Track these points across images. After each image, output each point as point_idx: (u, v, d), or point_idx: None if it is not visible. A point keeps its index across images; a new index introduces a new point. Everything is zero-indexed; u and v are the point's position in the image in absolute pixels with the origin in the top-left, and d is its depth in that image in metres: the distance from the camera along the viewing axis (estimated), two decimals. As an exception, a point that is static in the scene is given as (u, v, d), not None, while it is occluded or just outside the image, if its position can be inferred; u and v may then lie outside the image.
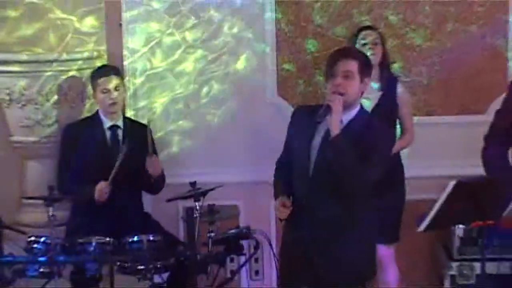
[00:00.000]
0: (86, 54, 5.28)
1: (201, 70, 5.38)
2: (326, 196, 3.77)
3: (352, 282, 3.92)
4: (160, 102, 5.39)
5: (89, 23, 5.33)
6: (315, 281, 3.92)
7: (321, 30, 5.33)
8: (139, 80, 5.43)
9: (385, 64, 4.90)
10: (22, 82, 5.13)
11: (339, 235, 3.82)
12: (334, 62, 3.76)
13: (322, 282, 3.90)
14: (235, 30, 5.41)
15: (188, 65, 5.41)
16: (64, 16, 5.25)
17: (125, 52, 5.33)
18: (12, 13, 5.31)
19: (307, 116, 3.86)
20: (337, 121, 3.63)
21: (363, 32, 4.93)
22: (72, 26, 5.29)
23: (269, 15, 5.34)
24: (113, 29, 5.33)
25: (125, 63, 5.30)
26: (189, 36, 5.38)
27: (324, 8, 5.37)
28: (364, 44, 4.87)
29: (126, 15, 5.30)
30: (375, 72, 4.74)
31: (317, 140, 3.76)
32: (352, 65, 3.69)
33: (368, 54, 4.70)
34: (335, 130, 3.59)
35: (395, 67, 5.31)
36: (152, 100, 5.38)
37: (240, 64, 5.38)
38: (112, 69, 5.05)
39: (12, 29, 5.28)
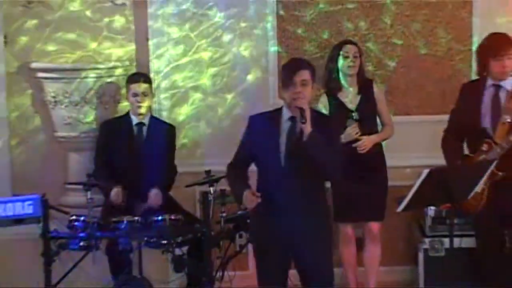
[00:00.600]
0: (118, 63, 5.64)
1: (216, 83, 5.73)
2: (297, 180, 4.01)
3: (324, 250, 4.16)
4: (183, 112, 5.72)
5: (121, 37, 5.68)
6: (294, 255, 4.13)
7: (311, 54, 5.58)
8: (163, 92, 5.73)
9: (361, 72, 5.12)
10: (65, 87, 5.45)
11: (311, 211, 4.06)
12: (293, 73, 3.96)
13: (300, 256, 4.11)
14: (241, 49, 5.70)
15: (205, 79, 5.74)
16: (101, 33, 5.61)
17: (152, 66, 5.63)
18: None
19: (266, 121, 4.13)
20: (309, 122, 3.90)
21: (346, 46, 5.10)
22: (106, 40, 5.66)
23: (270, 47, 5.63)
24: (142, 42, 5.65)
25: (152, 74, 5.55)
26: (205, 55, 5.70)
27: (314, 39, 5.66)
28: (346, 57, 5.04)
29: (152, 36, 5.59)
30: (353, 79, 5.07)
31: (283, 138, 4.02)
32: (307, 74, 3.95)
33: (350, 65, 5.08)
34: (309, 129, 3.87)
35: (379, 86, 5.44)
36: (175, 108, 5.73)
37: (250, 77, 5.69)
38: (142, 76, 5.30)
39: (60, 47, 5.59)
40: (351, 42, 5.16)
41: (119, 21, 5.61)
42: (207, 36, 5.67)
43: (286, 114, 4.01)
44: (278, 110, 4.07)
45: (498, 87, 4.53)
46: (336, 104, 5.16)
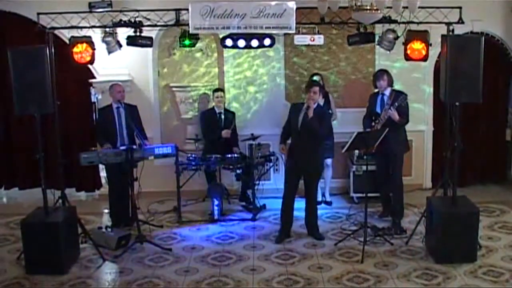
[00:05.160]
0: (208, 83, 7.61)
1: (256, 91, 7.63)
2: (305, 138, 5.71)
3: (317, 172, 6.10)
4: (239, 104, 7.67)
5: (211, 68, 7.57)
6: (303, 173, 5.94)
7: (306, 73, 7.64)
8: (230, 94, 7.59)
9: (323, 91, 6.84)
10: (185, 94, 7.60)
11: (311, 153, 5.82)
12: (310, 86, 5.83)
13: (306, 173, 5.92)
14: (264, 71, 7.60)
15: (251, 87, 7.71)
16: (201, 68, 7.58)
17: (224, 82, 7.62)
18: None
19: (296, 107, 5.93)
20: (311, 113, 5.64)
21: (314, 76, 7.13)
22: (204, 72, 7.66)
23: (282, 71, 7.64)
24: (221, 72, 7.49)
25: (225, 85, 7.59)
26: (250, 73, 7.63)
27: (308, 63, 7.63)
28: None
29: (225, 70, 7.52)
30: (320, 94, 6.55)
31: (301, 117, 5.78)
32: (317, 89, 5.81)
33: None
34: (310, 116, 5.62)
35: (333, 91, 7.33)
36: (235, 102, 7.67)
37: (271, 89, 7.63)
38: (221, 89, 7.26)
39: (183, 76, 7.53)
40: (316, 80, 6.99)
41: (210, 61, 7.65)
42: (249, 68, 7.64)
43: (304, 104, 5.83)
44: (302, 103, 5.90)
45: (383, 94, 6.37)
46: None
